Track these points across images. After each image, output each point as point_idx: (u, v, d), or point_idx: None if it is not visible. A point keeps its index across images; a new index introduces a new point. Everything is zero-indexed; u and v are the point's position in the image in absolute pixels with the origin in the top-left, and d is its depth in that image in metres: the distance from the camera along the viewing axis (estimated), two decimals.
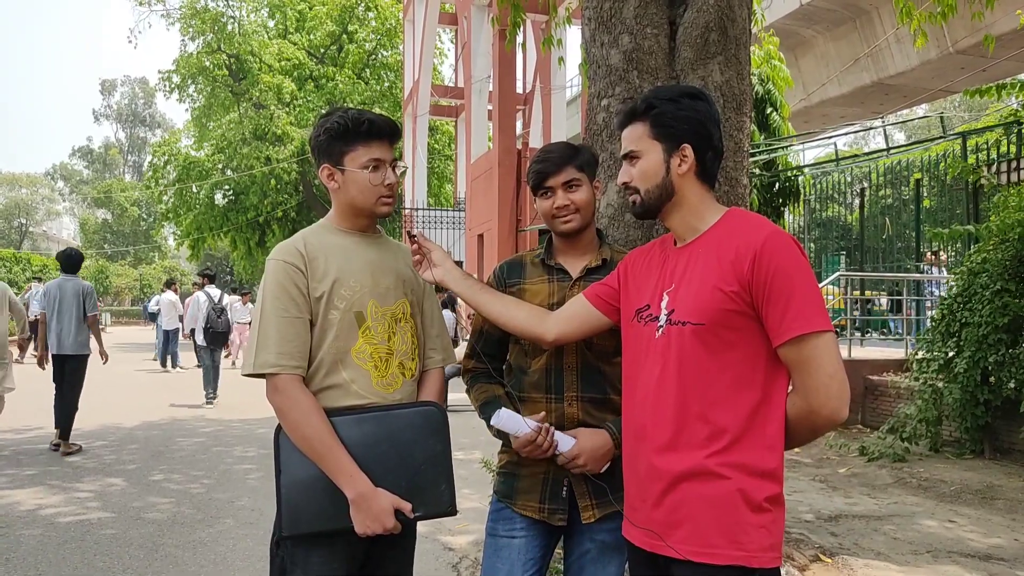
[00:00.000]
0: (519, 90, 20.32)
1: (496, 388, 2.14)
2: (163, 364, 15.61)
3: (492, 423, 1.97)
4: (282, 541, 1.85)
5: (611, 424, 1.96)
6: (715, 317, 1.57)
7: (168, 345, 15.45)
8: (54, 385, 7.26)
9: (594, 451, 1.92)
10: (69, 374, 7.21)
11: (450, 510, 1.91)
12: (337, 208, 2.02)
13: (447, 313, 15.46)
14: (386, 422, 1.88)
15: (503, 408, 1.96)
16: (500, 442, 2.14)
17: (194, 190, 28.54)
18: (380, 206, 1.97)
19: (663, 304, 1.68)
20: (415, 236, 2.04)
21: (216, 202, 28.97)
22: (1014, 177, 8.93)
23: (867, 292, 13.84)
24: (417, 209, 21.82)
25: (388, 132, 1.97)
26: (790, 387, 1.59)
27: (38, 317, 7.32)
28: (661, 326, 1.66)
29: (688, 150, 1.68)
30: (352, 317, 1.91)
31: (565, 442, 1.92)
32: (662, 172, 1.68)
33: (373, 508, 1.78)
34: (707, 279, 1.60)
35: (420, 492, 1.86)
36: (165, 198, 29.58)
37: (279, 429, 1.86)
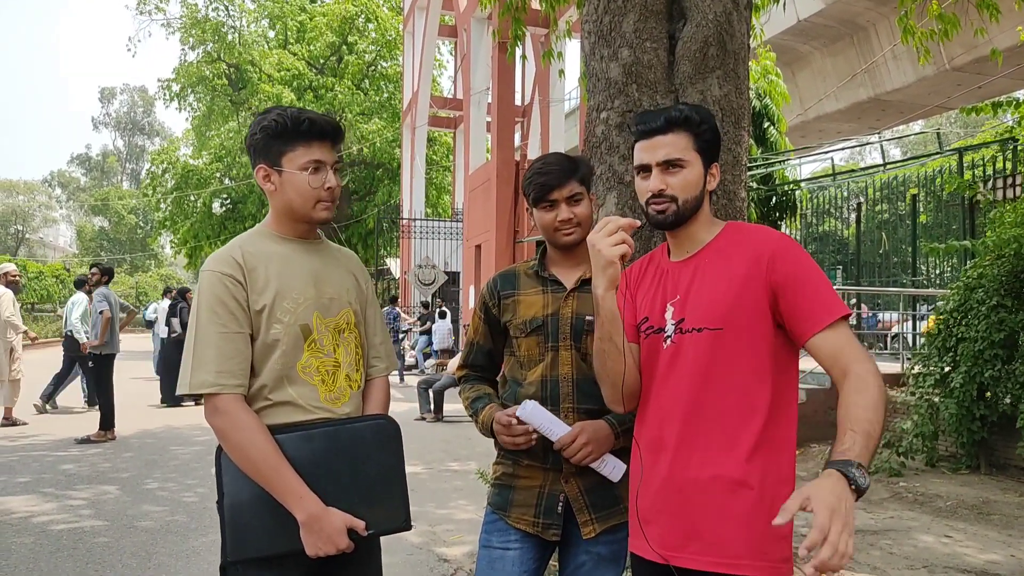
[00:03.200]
0: (518, 102, 20.38)
1: (487, 387, 2.19)
2: (158, 372, 15.52)
3: (518, 414, 1.94)
4: (228, 567, 1.74)
5: (610, 416, 1.96)
6: (733, 321, 1.60)
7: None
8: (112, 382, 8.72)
9: (596, 431, 1.91)
10: None
11: (404, 525, 1.85)
12: (274, 212, 1.90)
13: (443, 323, 15.44)
14: (336, 438, 1.79)
15: (532, 403, 1.94)
16: (495, 452, 2.14)
17: (192, 198, 28.57)
18: (319, 211, 1.85)
19: (668, 315, 1.69)
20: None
21: (214, 211, 28.99)
22: (1010, 193, 8.98)
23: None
24: (415, 219, 21.82)
25: (330, 132, 1.85)
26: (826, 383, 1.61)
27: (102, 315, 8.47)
28: (669, 336, 1.68)
29: (716, 169, 1.75)
30: (297, 331, 1.81)
31: (558, 430, 1.91)
32: (701, 185, 1.72)
33: (325, 529, 1.69)
34: (719, 285, 1.63)
35: (374, 508, 1.79)
36: (163, 206, 29.61)
37: (220, 450, 1.77)
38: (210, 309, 1.75)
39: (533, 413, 1.92)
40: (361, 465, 1.80)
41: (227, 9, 29.87)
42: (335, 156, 1.88)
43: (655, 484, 1.67)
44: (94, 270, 8.82)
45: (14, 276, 9.28)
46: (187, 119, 32.30)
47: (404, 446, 1.91)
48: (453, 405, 10.49)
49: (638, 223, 1.71)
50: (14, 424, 8.94)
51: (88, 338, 8.71)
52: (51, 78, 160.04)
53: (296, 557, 1.72)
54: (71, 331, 9.55)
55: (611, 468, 1.93)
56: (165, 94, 30.63)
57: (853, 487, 1.31)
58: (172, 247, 32.98)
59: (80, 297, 9.76)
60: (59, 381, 10.46)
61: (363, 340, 1.99)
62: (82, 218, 68.76)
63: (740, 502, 1.55)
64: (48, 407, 10.34)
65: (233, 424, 1.71)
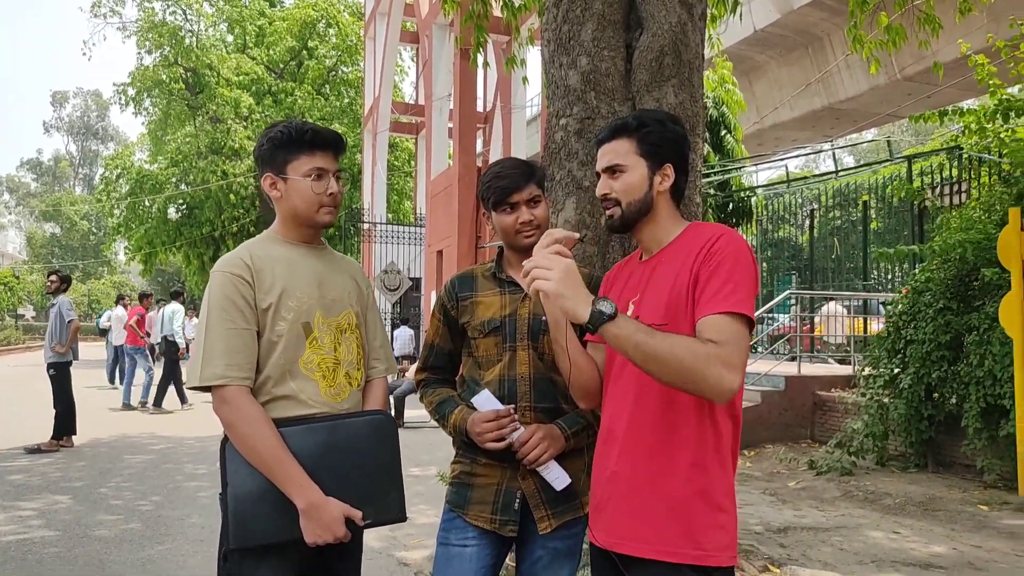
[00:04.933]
0: (480, 108, 20.43)
1: (450, 390, 2.20)
2: (111, 381, 15.22)
3: (472, 400, 2.01)
4: (230, 554, 1.82)
5: (560, 420, 2.02)
6: (675, 315, 1.64)
7: (118, 361, 15.06)
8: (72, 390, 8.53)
9: (549, 430, 1.98)
10: None
11: (400, 516, 1.94)
12: (280, 218, 2.02)
13: (405, 329, 15.39)
14: (336, 431, 1.89)
15: (486, 390, 2.01)
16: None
17: (147, 204, 27.99)
18: (322, 215, 1.97)
19: (628, 313, 1.74)
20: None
21: (169, 216, 28.46)
22: (956, 200, 9.26)
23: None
24: (376, 223, 21.70)
25: (332, 143, 1.98)
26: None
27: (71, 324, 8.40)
28: None
29: (670, 169, 1.77)
30: (299, 328, 1.91)
31: (519, 432, 1.99)
32: (645, 187, 1.75)
33: (324, 517, 1.78)
34: (668, 281, 1.68)
35: (370, 500, 1.88)
36: (117, 212, 28.95)
37: (225, 440, 1.84)
38: (220, 307, 1.85)
39: (486, 403, 2.00)
40: (359, 458, 1.89)
41: (185, 13, 29.41)
42: (337, 165, 2.01)
43: (605, 475, 1.73)
44: (53, 278, 8.58)
45: None
46: (143, 123, 31.70)
47: None
48: (414, 411, 10.46)
49: (576, 236, 1.75)
50: None
51: (55, 344, 8.33)
52: (1, 81, 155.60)
53: (294, 548, 1.81)
54: (172, 336, 11.56)
55: (555, 476, 1.99)
56: (120, 98, 30.01)
57: (595, 310, 1.53)
58: (126, 253, 32.28)
59: (177, 306, 12.03)
60: (166, 383, 11.47)
61: (364, 341, 2.09)
62: (32, 224, 67.00)
63: (678, 492, 1.61)
64: (162, 407, 11.35)
65: (240, 415, 1.80)
